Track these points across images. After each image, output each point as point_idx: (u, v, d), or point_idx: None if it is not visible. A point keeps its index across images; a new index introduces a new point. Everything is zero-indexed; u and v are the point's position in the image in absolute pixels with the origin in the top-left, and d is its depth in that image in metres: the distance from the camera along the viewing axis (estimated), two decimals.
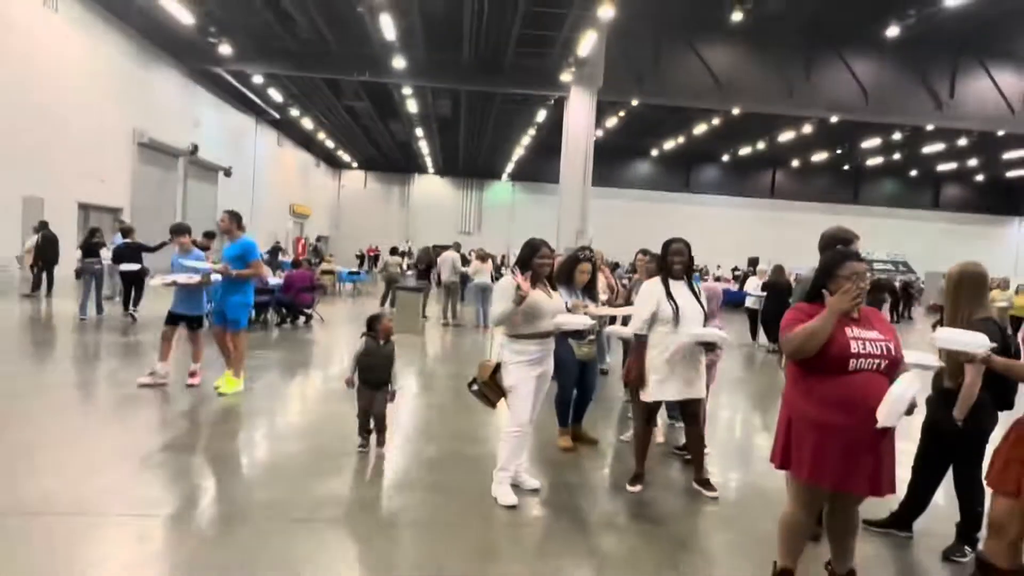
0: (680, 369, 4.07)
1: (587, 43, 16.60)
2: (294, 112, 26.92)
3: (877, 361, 2.59)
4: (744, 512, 4.01)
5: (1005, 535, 2.86)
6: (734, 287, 19.39)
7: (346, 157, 38.19)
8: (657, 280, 4.24)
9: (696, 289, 4.28)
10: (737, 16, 16.09)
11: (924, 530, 3.69)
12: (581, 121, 19.67)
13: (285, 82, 23.25)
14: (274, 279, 11.55)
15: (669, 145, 33.19)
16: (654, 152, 36.79)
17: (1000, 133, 23.87)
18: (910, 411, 2.52)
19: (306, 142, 34.12)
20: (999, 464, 2.92)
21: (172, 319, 6.23)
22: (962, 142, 27.27)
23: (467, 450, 4.88)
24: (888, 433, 2.60)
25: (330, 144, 34.05)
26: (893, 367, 2.64)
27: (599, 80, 19.12)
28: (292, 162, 34.59)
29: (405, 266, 16.61)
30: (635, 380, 4.17)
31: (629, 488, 4.20)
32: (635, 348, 4.21)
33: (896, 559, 3.50)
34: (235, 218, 6.22)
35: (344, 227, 40.80)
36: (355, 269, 22.43)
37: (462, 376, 7.63)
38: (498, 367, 3.93)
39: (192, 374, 6.25)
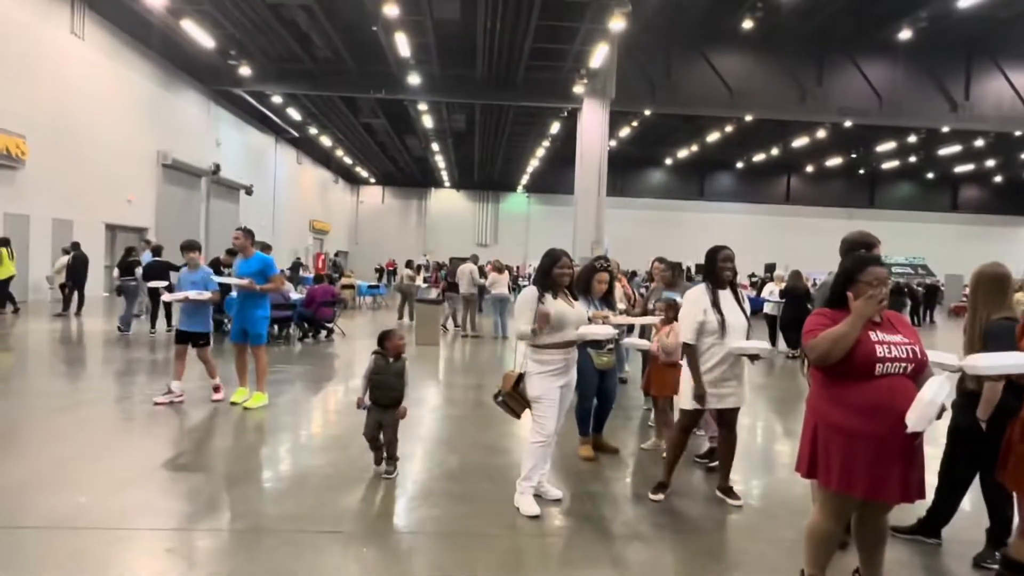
0: (723, 378, 4.05)
1: (599, 55, 16.72)
2: (312, 130, 27.39)
3: (903, 364, 2.58)
4: (769, 520, 4.00)
5: None
6: (752, 293, 19.27)
7: (364, 173, 38.69)
8: (703, 288, 4.15)
9: (740, 298, 4.23)
10: (747, 24, 16.15)
11: (953, 536, 3.65)
12: (595, 132, 19.77)
13: (303, 101, 23.68)
14: (296, 294, 11.73)
15: (683, 153, 33.19)
16: (668, 161, 36.77)
17: (1017, 133, 23.56)
18: (939, 415, 2.50)
19: (325, 159, 34.63)
20: (1014, 461, 2.84)
21: (182, 338, 6.30)
22: (979, 143, 26.94)
23: (489, 460, 4.92)
24: (917, 437, 2.58)
25: (348, 161, 34.53)
26: (919, 370, 2.62)
27: (612, 91, 19.23)
28: (311, 179, 35.09)
29: (421, 279, 16.74)
30: (697, 393, 4.01)
31: (652, 497, 4.19)
32: (688, 359, 4.09)
33: (925, 566, 3.46)
34: (249, 235, 6.36)
35: (363, 242, 41.22)
36: (374, 283, 22.67)
37: (482, 387, 7.71)
38: (521, 377, 3.96)
39: (216, 389, 6.36)
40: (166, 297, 6.71)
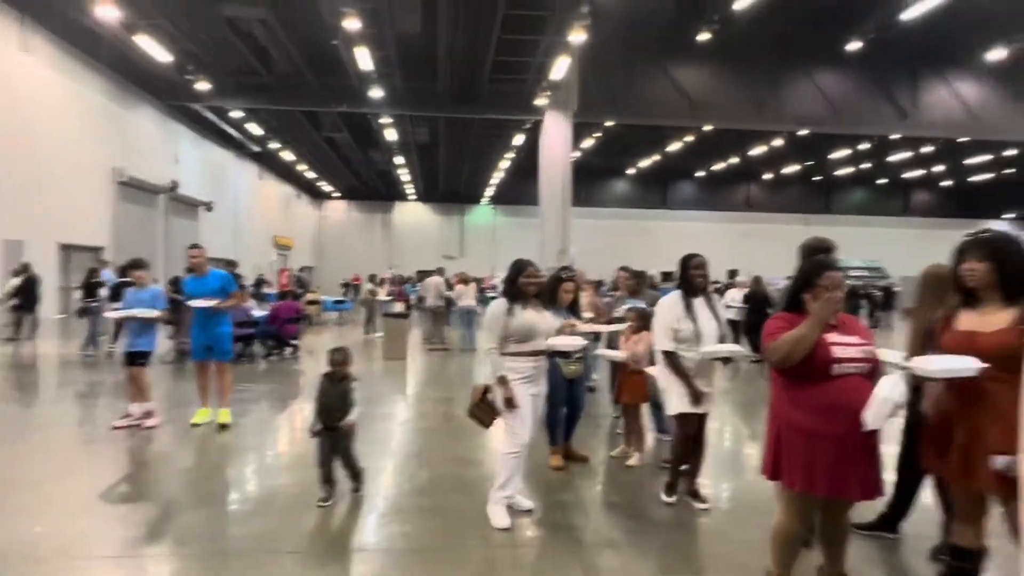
0: (697, 383, 4.09)
1: (560, 67, 16.89)
2: (274, 145, 26.97)
3: (859, 365, 2.66)
4: (736, 522, 4.07)
5: (971, 519, 2.78)
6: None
7: (327, 187, 38.22)
8: (677, 296, 4.17)
9: (713, 303, 4.26)
10: (705, 36, 16.56)
11: (911, 531, 3.76)
12: (558, 143, 19.94)
13: (264, 116, 23.33)
14: (259, 311, 11.52)
15: (645, 163, 33.73)
16: (631, 171, 37.30)
17: (963, 140, 24.60)
18: (894, 412, 2.59)
19: (287, 174, 34.12)
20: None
21: (131, 359, 6.13)
22: (927, 150, 28.05)
23: (460, 472, 4.90)
24: (875, 435, 2.66)
25: (311, 175, 34.08)
26: (874, 370, 2.71)
27: (574, 103, 19.44)
28: (274, 194, 34.55)
29: (385, 293, 16.60)
30: (694, 393, 4.04)
31: (666, 499, 4.24)
32: (671, 367, 4.09)
33: (884, 561, 3.56)
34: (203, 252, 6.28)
35: (328, 257, 40.67)
36: (340, 298, 22.38)
37: (451, 400, 7.67)
38: (487, 388, 3.98)
39: (148, 414, 6.06)
40: (109, 314, 6.51)
